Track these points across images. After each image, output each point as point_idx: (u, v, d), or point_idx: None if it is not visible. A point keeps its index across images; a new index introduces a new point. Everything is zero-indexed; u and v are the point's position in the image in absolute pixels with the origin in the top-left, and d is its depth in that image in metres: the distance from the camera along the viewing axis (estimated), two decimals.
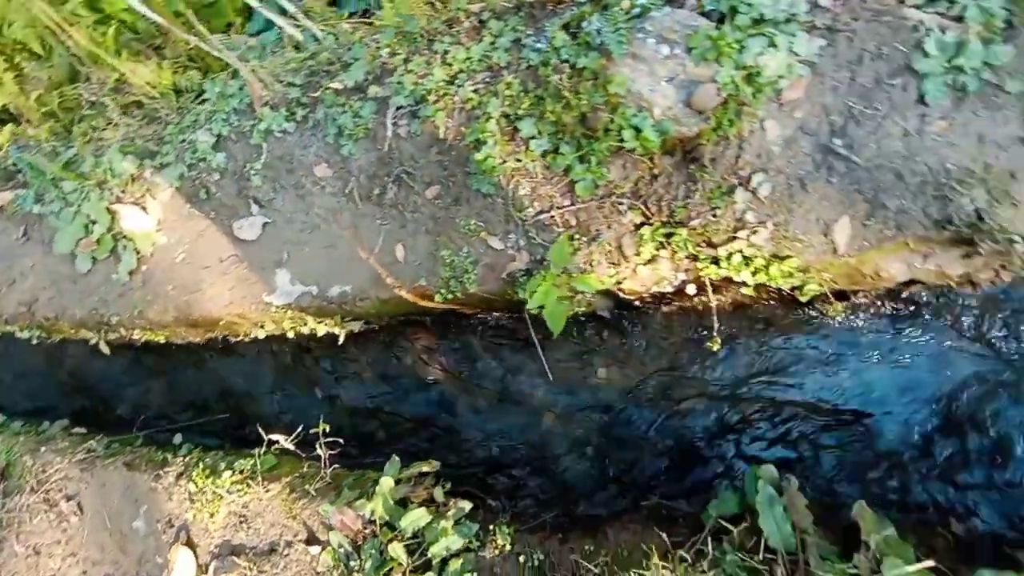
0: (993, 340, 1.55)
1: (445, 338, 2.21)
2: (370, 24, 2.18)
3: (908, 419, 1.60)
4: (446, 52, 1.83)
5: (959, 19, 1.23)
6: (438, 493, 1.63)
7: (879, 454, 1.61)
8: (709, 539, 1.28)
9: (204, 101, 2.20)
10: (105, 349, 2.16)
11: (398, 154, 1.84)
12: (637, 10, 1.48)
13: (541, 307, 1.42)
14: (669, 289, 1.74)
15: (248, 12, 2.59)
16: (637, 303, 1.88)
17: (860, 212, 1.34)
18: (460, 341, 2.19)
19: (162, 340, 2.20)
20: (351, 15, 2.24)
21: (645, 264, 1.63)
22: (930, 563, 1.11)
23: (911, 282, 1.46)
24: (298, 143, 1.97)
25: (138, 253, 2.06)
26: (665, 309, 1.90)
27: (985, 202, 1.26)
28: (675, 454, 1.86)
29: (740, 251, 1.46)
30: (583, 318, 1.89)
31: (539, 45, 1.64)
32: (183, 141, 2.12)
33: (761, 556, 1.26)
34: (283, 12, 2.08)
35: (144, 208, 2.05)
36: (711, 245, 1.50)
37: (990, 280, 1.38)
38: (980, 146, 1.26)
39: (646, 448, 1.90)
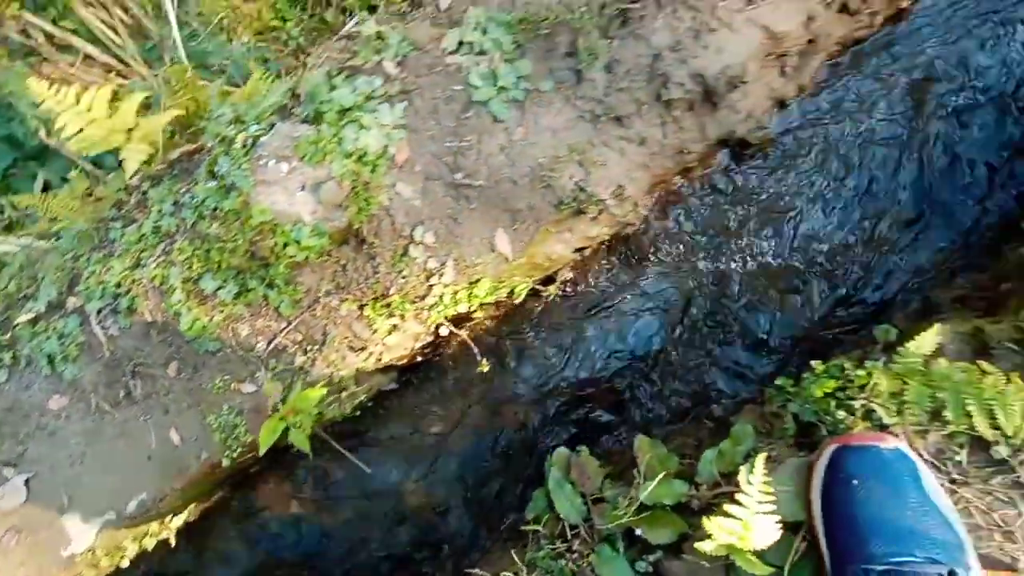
0: (690, 257, 1.83)
1: (288, 476, 2.20)
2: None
3: (661, 345, 1.85)
4: (122, 236, 1.82)
5: (483, 53, 1.46)
6: None
7: (654, 385, 1.84)
8: (512, 550, 1.40)
9: None
10: None
11: (122, 352, 1.79)
12: (251, 140, 1.58)
13: (282, 443, 1.47)
14: (430, 339, 1.87)
15: None
16: (419, 360, 1.99)
17: (506, 221, 1.55)
18: (303, 468, 2.18)
19: None
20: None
21: (389, 335, 1.74)
22: (660, 476, 1.32)
23: (582, 248, 1.70)
24: (18, 387, 1.86)
25: None
26: (445, 352, 2.03)
27: (581, 173, 1.51)
28: (517, 469, 2.00)
29: (443, 292, 1.61)
30: (374, 400, 1.97)
31: (193, 201, 1.69)
32: None
33: (568, 536, 1.41)
34: None
35: None
36: (421, 298, 1.64)
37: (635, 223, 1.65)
38: (554, 135, 1.50)
39: (495, 476, 2.02)
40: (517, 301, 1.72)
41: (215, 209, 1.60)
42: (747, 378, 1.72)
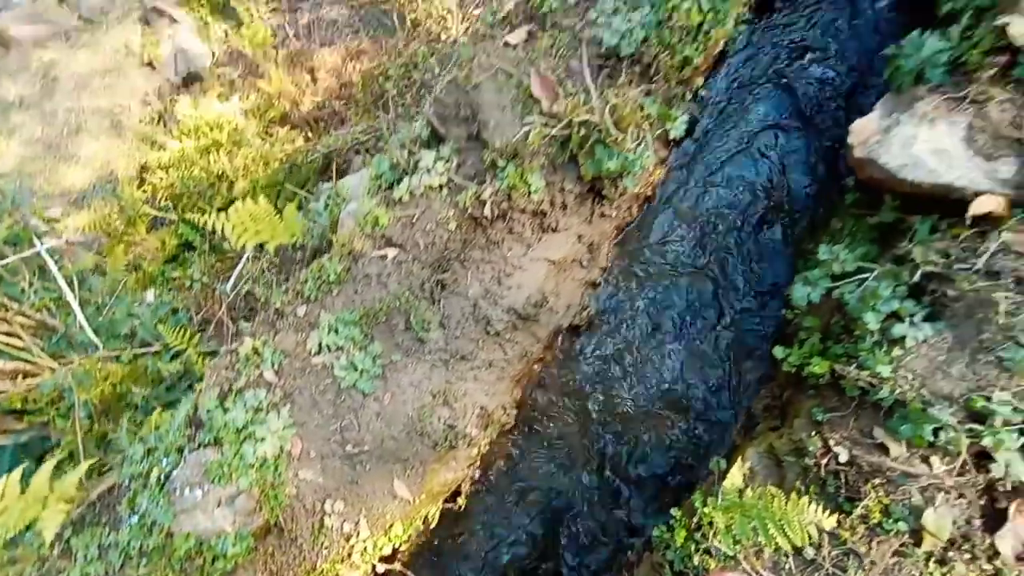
0: (562, 428, 2.15)
1: None
2: None
3: (568, 509, 2.10)
4: None
5: (340, 348, 1.82)
6: None
7: (575, 544, 2.06)
8: None
9: None
10: None
11: None
12: (164, 476, 1.79)
13: None
14: None
15: None
16: None
17: (400, 471, 1.81)
18: None
19: None
20: None
21: None
22: None
23: (472, 464, 1.98)
24: None
25: None
26: None
27: (447, 411, 1.83)
28: None
29: (364, 546, 1.81)
30: None
31: (119, 545, 1.83)
32: None
33: None
34: None
35: None
36: (348, 556, 1.83)
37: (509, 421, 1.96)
38: (416, 388, 1.84)
39: None
40: (432, 525, 1.94)
41: (140, 549, 1.75)
42: (645, 520, 1.99)
